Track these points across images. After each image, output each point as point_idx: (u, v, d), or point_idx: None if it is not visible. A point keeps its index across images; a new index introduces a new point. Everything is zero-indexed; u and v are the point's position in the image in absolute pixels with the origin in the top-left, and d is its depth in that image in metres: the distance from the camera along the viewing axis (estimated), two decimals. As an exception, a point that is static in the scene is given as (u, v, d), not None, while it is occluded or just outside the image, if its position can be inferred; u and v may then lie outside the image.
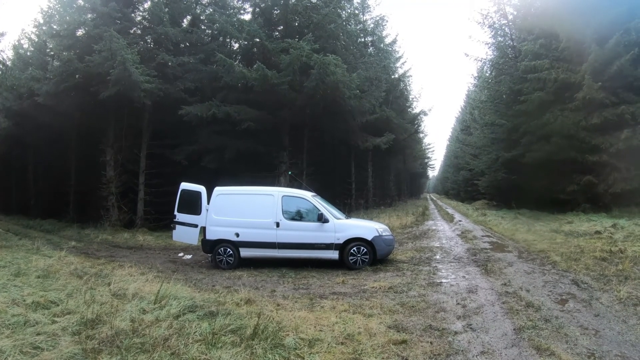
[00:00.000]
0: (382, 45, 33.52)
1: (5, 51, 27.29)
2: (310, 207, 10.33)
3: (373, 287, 7.71)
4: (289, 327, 5.17)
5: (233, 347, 4.44)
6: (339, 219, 10.44)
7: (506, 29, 27.97)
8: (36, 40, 25.70)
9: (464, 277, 8.31)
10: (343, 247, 9.93)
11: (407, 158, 47.77)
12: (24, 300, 5.84)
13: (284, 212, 10.26)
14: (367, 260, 9.87)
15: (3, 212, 30.92)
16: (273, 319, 5.40)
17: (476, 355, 4.52)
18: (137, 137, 20.93)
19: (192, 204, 10.77)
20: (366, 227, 10.36)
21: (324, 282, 8.56)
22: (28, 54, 26.72)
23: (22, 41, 28.06)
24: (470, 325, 5.44)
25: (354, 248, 9.89)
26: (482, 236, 14.86)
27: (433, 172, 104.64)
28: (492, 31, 28.42)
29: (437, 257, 10.95)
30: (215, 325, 4.97)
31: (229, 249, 10.37)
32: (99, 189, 20.29)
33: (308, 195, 10.68)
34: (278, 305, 6.45)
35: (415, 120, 39.69)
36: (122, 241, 16.09)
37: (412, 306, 6.35)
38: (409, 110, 40.00)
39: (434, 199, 73.49)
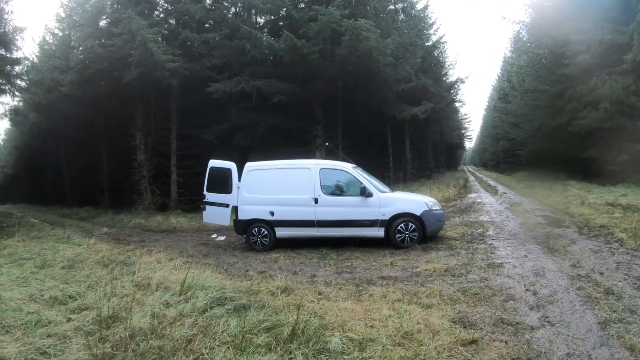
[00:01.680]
0: (413, 12, 31.82)
1: (23, 48, 27.41)
2: (352, 180, 9.30)
3: (426, 270, 6.74)
4: (334, 323, 4.31)
5: (267, 352, 3.64)
6: (384, 192, 9.40)
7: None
8: (59, 34, 25.69)
9: (525, 256, 7.27)
10: (389, 224, 8.89)
11: (444, 129, 45.93)
12: (42, 296, 5.41)
13: (323, 187, 9.25)
14: (415, 237, 8.83)
15: (42, 203, 31.98)
16: (315, 312, 4.56)
17: (562, 359, 3.63)
18: (166, 119, 20.64)
19: (222, 182, 9.94)
20: (414, 201, 9.32)
21: (369, 264, 7.63)
22: (53, 48, 26.78)
23: (46, 37, 28.21)
24: (547, 318, 4.52)
25: (402, 224, 8.84)
26: (533, 209, 13.75)
27: (469, 144, 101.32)
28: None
29: (490, 233, 9.82)
30: (247, 323, 4.18)
31: (263, 229, 9.52)
32: (131, 174, 20.18)
33: (349, 167, 9.60)
34: (320, 294, 5.60)
35: (452, 88, 37.90)
36: (155, 225, 15.73)
37: (476, 293, 5.40)
38: (444, 78, 38.14)
39: (472, 171, 70.98)
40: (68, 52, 21.95)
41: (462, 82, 37.61)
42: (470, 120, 77.43)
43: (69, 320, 4.54)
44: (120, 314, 4.55)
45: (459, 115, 56.85)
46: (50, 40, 27.62)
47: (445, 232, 9.96)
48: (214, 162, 10.21)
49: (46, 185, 35.24)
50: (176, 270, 6.72)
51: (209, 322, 4.30)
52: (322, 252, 8.73)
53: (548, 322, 4.41)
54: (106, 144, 24.31)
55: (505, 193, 20.82)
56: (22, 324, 4.37)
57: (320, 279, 6.67)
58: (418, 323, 4.39)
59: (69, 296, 5.36)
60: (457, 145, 76.93)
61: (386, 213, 8.88)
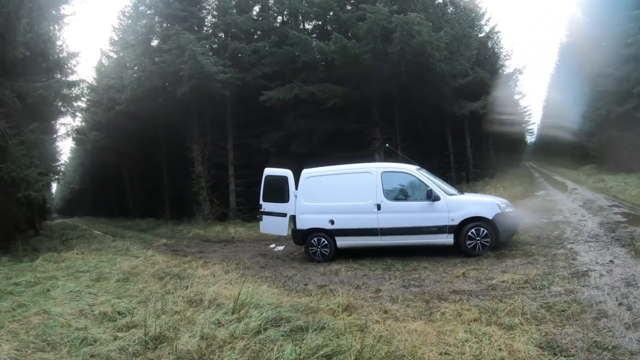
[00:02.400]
0: (462, 4, 30.46)
1: (78, 71, 28.88)
2: (417, 183, 8.60)
3: (503, 282, 5.98)
4: (403, 350, 3.74)
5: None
6: (452, 194, 8.63)
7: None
8: (114, 56, 26.79)
9: (612, 262, 6.45)
10: (459, 230, 8.13)
11: (505, 124, 43.68)
12: (92, 311, 5.37)
13: (386, 192, 8.63)
14: (488, 244, 8.02)
15: (107, 216, 33.58)
16: (381, 336, 3.99)
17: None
18: (221, 130, 20.77)
19: (278, 190, 9.56)
20: (486, 204, 8.50)
21: (439, 275, 6.94)
22: (108, 69, 27.85)
23: (102, 60, 29.35)
24: None
25: (472, 230, 8.05)
26: (610, 206, 12.70)
27: (531, 138, 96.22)
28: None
29: (568, 235, 8.96)
30: (303, 348, 3.73)
31: (323, 239, 9.01)
32: (191, 185, 20.44)
33: (412, 169, 8.89)
34: (385, 312, 5.03)
35: (510, 80, 35.92)
36: (214, 235, 15.74)
37: (562, 310, 4.65)
38: (501, 70, 36.22)
39: (535, 166, 67.23)
40: (122, 72, 22.80)
41: (520, 72, 35.59)
42: (530, 114, 73.46)
43: (115, 338, 4.40)
44: (168, 333, 4.32)
45: (519, 108, 54.08)
46: (106, 63, 28.79)
47: (519, 236, 9.07)
48: (269, 171, 9.88)
49: (111, 199, 36.99)
50: (231, 284, 6.42)
51: (261, 347, 3.90)
52: (386, 263, 8.10)
53: (651, 345, 3.66)
54: (165, 157, 24.87)
55: (576, 189, 19.69)
56: (68, 341, 4.30)
57: (386, 293, 6.08)
58: (500, 349, 3.77)
59: (119, 312, 5.26)
60: (518, 141, 73.27)
61: (455, 218, 8.13)
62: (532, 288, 5.59)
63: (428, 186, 8.39)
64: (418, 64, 17.60)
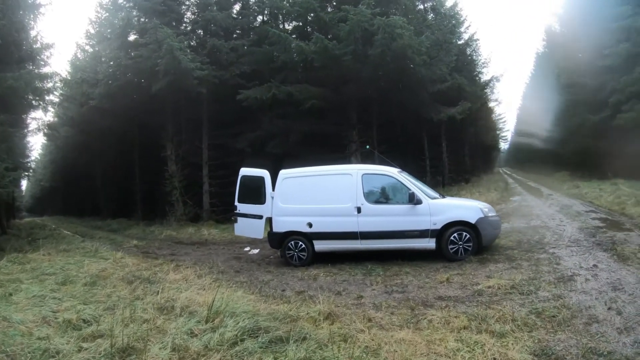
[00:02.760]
0: (442, 10, 30.78)
1: (52, 64, 28.18)
2: (398, 185, 8.36)
3: (489, 287, 5.81)
4: (391, 360, 3.47)
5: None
6: (434, 198, 8.44)
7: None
8: (90, 50, 26.04)
9: (595, 266, 6.46)
10: (441, 234, 7.94)
11: (480, 130, 44.40)
12: (56, 318, 4.97)
13: (366, 194, 8.36)
14: (470, 248, 7.87)
15: (77, 215, 32.57)
16: (367, 347, 3.75)
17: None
18: (197, 129, 20.34)
19: (254, 191, 9.16)
20: (469, 208, 8.35)
21: (422, 280, 6.71)
22: (84, 63, 27.10)
23: (77, 54, 28.66)
24: None
25: (455, 234, 7.88)
26: (587, 211, 12.89)
27: (505, 145, 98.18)
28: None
29: (548, 239, 8.94)
30: (284, 363, 3.40)
31: (300, 242, 8.65)
32: (163, 185, 19.87)
33: (394, 171, 8.65)
34: (370, 320, 4.76)
35: (487, 87, 36.40)
36: (186, 237, 15.23)
37: (552, 316, 4.54)
38: (479, 77, 36.70)
39: (509, 172, 68.66)
40: (97, 66, 22.12)
41: (497, 80, 36.22)
42: (505, 121, 74.93)
43: (79, 350, 4.06)
44: (137, 344, 3.98)
45: (494, 115, 55.05)
46: (81, 57, 28.05)
47: (500, 241, 8.95)
48: (245, 171, 9.49)
49: (82, 197, 35.89)
50: (204, 290, 6.07)
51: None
52: (366, 267, 7.81)
53: (645, 349, 3.63)
54: (139, 155, 24.16)
55: (551, 195, 19.98)
56: (29, 352, 3.97)
57: (368, 300, 5.82)
58: (494, 358, 3.60)
59: (84, 320, 4.89)
60: (492, 147, 74.50)
61: (437, 222, 7.93)
62: (519, 293, 5.47)
63: (410, 189, 8.18)
64: (398, 67, 17.62)
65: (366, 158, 17.68)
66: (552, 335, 4.08)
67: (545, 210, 13.98)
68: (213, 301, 4.73)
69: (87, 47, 26.17)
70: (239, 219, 9.41)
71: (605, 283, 5.57)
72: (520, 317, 4.54)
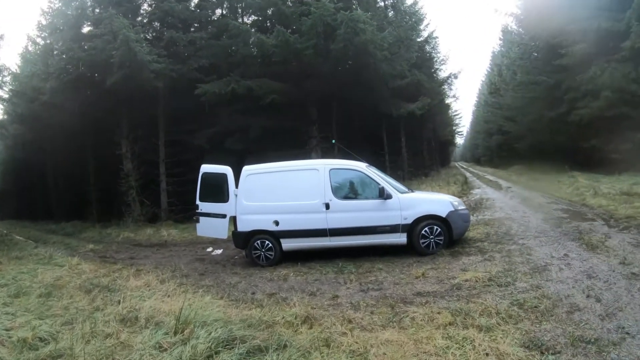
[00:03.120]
0: (402, 8, 31.03)
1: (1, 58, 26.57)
2: (367, 180, 8.17)
3: (466, 281, 5.77)
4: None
5: None
6: (404, 192, 8.33)
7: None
8: (41, 42, 24.61)
9: (566, 255, 6.53)
10: (412, 228, 7.83)
11: (437, 126, 45.34)
12: (10, 337, 4.43)
13: (334, 190, 8.10)
14: (442, 242, 7.82)
15: (30, 219, 30.72)
16: (353, 351, 3.53)
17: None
18: (153, 125, 19.42)
19: (217, 189, 8.69)
20: (439, 202, 8.29)
21: (396, 277, 6.54)
22: (35, 57, 25.67)
23: (28, 47, 27.12)
24: (624, 328, 3.87)
25: (426, 228, 7.80)
26: (548, 203, 13.14)
27: (460, 140, 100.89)
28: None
29: (515, 231, 9.00)
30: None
31: (267, 242, 8.29)
32: (119, 185, 18.98)
33: (362, 166, 8.46)
34: (350, 321, 4.54)
35: (445, 84, 37.11)
36: (145, 238, 14.49)
37: (534, 306, 4.54)
38: (437, 74, 37.35)
39: (464, 167, 70.44)
40: (49, 59, 20.87)
41: (455, 77, 36.69)
42: (461, 117, 77.12)
43: None
44: None
45: (451, 112, 56.31)
46: (32, 49, 26.52)
47: (468, 234, 8.97)
48: (206, 167, 9.01)
49: (34, 200, 33.90)
50: (169, 296, 5.67)
51: (216, 376, 3.25)
52: (337, 265, 7.56)
53: (627, 333, 3.78)
54: (93, 154, 23.05)
55: (510, 187, 20.31)
56: None
57: (345, 299, 5.59)
58: (487, 354, 3.53)
59: (41, 339, 4.36)
60: (448, 142, 76.41)
61: (408, 216, 7.82)
62: (498, 285, 5.45)
63: (379, 184, 8.02)
64: (359, 62, 17.58)
65: (326, 153, 17.55)
66: (538, 325, 4.08)
67: (507, 202, 14.20)
68: (181, 310, 4.35)
69: (39, 40, 24.76)
70: (201, 218, 8.90)
71: (579, 272, 5.65)
72: (503, 309, 4.51)
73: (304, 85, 17.99)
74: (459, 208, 8.20)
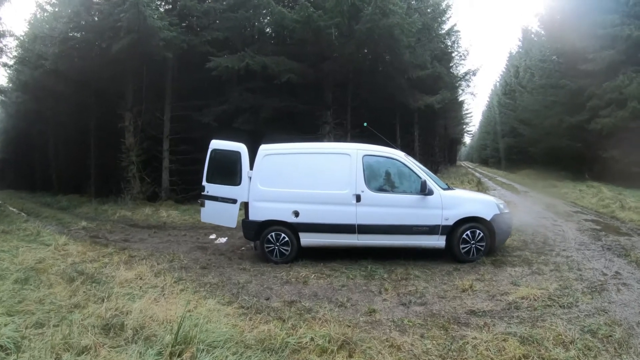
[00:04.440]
0: (427, -1, 29.89)
1: (4, 22, 25.70)
2: (406, 172, 7.01)
3: (523, 298, 4.95)
4: None
5: None
6: (446, 189, 7.20)
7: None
8: (50, 10, 23.54)
9: (618, 273, 6.03)
10: (452, 231, 6.79)
11: (449, 122, 44.52)
12: None
13: (368, 180, 6.94)
14: (483, 248, 6.81)
15: (28, 190, 30.05)
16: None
17: None
18: (159, 98, 18.30)
19: (228, 169, 7.49)
20: (485, 202, 7.22)
21: (439, 287, 5.54)
22: (43, 24, 24.58)
23: (37, 14, 25.90)
24: None
25: (468, 232, 6.75)
26: (575, 212, 12.62)
27: (469, 139, 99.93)
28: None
29: (554, 241, 8.31)
30: None
31: (283, 235, 7.10)
32: (120, 159, 17.90)
33: (400, 154, 7.29)
34: (398, 349, 3.55)
35: (463, 80, 35.95)
36: (143, 218, 13.38)
37: (608, 335, 3.94)
38: (456, 68, 36.23)
39: (471, 167, 69.49)
40: (55, 25, 19.80)
41: (474, 74, 35.54)
42: (472, 116, 75.94)
43: None
44: None
45: (464, 110, 55.28)
46: (40, 17, 25.40)
47: (504, 240, 8.07)
48: (216, 144, 7.70)
49: (34, 170, 33.44)
50: (164, 296, 4.63)
51: None
52: (365, 268, 6.46)
53: None
54: (95, 125, 22.07)
55: (527, 192, 19.80)
56: None
57: (384, 316, 4.55)
58: None
59: (1, 347, 3.40)
60: (457, 141, 75.41)
61: (450, 217, 6.75)
62: (560, 307, 4.73)
63: (420, 177, 6.90)
64: (383, 47, 16.60)
65: (339, 140, 16.63)
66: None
67: (531, 208, 13.45)
68: (180, 323, 3.30)
69: (48, 7, 23.68)
70: (207, 202, 7.61)
71: (639, 293, 5.14)
72: (574, 337, 3.86)
73: (322, 67, 16.80)
74: (505, 212, 7.15)
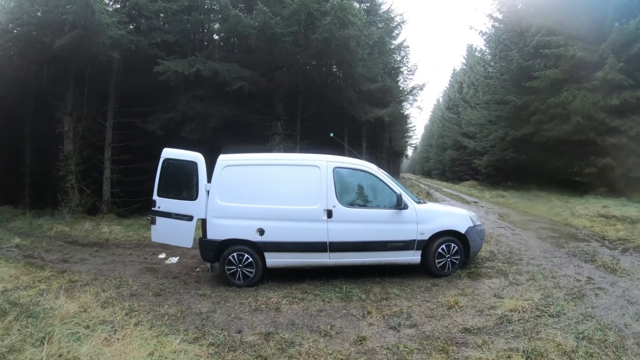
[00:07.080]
0: (380, 11, 30.41)
1: None
2: (379, 185, 6.70)
3: (512, 311, 4.95)
4: None
5: None
6: (419, 202, 6.96)
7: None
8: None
9: (591, 278, 6.37)
10: (427, 245, 6.59)
11: (394, 135, 45.74)
12: None
13: (339, 194, 6.52)
14: (457, 262, 6.70)
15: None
16: None
17: None
18: (102, 103, 17.12)
19: (182, 182, 6.73)
20: (459, 215, 7.08)
21: (424, 306, 5.25)
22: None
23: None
24: None
25: (443, 246, 6.60)
26: (529, 220, 13.09)
27: (411, 152, 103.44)
28: (499, 4, 26.59)
29: (519, 250, 8.54)
30: None
31: (246, 255, 6.44)
32: (57, 168, 16.44)
33: (372, 167, 6.94)
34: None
35: (410, 94, 37.02)
36: (82, 234, 12.08)
37: (603, 340, 4.15)
38: (404, 82, 37.25)
39: (414, 178, 71.25)
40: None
41: (421, 89, 36.71)
42: (415, 129, 78.72)
43: None
44: None
45: (408, 123, 56.91)
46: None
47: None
48: (170, 153, 6.91)
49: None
50: (116, 333, 3.93)
51: None
52: (340, 289, 5.99)
53: None
54: (31, 130, 20.20)
55: (476, 202, 20.44)
56: None
57: (376, 343, 4.13)
58: None
59: None
60: (401, 153, 77.48)
61: (425, 231, 6.54)
62: (550, 316, 4.84)
63: (395, 191, 6.59)
64: (339, 58, 16.72)
65: (289, 151, 16.29)
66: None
67: (486, 218, 13.79)
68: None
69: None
70: (159, 219, 6.78)
71: (617, 297, 5.47)
72: (574, 346, 4.00)
73: (273, 76, 16.49)
74: (477, 223, 7.08)
